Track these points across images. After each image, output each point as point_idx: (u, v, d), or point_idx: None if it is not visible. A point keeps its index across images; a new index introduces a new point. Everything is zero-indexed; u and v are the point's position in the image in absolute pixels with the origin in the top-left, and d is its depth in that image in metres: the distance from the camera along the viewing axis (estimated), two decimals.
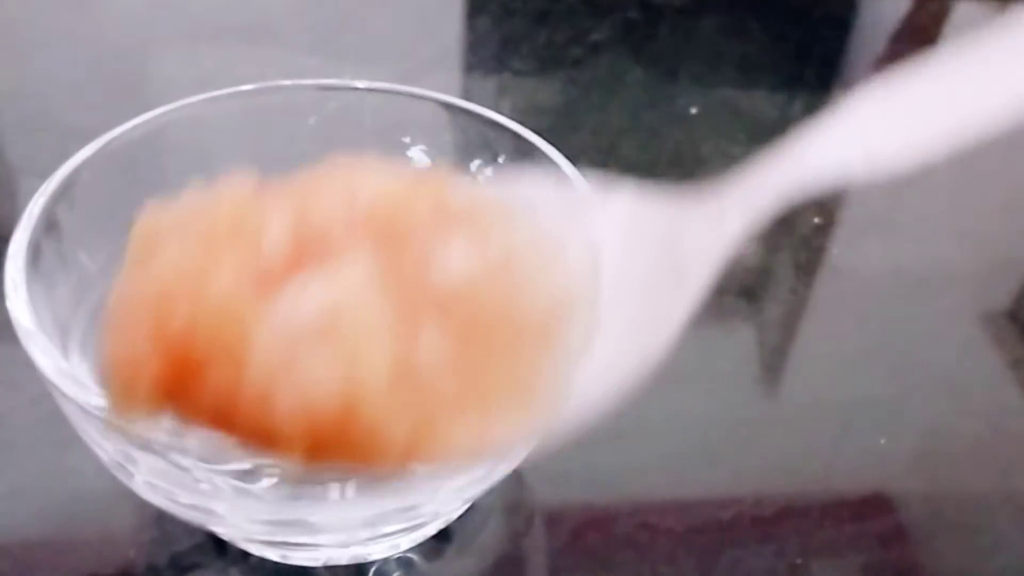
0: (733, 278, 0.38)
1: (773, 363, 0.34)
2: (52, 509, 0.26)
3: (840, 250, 0.39)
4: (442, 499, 0.22)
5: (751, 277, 0.38)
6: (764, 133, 0.46)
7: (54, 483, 0.27)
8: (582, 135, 0.44)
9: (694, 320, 0.35)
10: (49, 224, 0.23)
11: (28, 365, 0.20)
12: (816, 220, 0.41)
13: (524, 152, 0.27)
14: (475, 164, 0.28)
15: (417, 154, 0.29)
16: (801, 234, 0.40)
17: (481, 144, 0.28)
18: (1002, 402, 0.33)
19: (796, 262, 0.39)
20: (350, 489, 0.21)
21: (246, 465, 0.19)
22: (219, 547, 0.26)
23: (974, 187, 0.44)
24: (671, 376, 0.32)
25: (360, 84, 0.28)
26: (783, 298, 0.37)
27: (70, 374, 0.20)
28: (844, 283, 0.38)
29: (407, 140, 0.29)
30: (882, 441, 0.31)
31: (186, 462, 0.19)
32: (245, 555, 0.25)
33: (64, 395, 0.20)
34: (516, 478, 0.28)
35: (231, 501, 0.20)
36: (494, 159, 0.28)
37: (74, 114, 0.41)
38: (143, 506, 0.26)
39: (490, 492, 0.28)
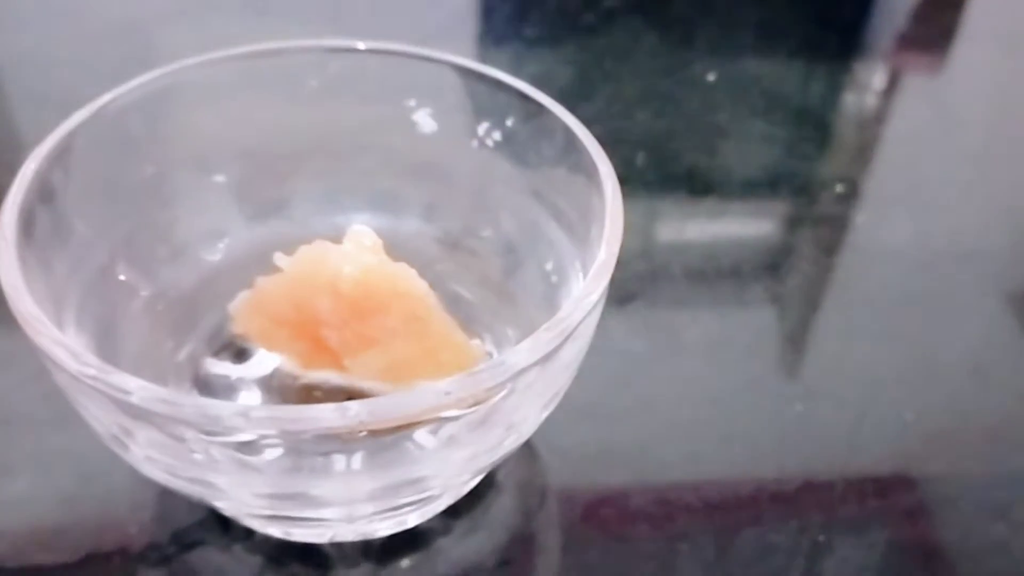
0: (754, 251, 0.37)
1: (794, 339, 0.33)
2: (52, 487, 0.26)
3: (863, 224, 0.38)
4: (450, 471, 0.21)
5: (772, 251, 0.37)
6: (783, 100, 0.45)
7: (54, 461, 0.26)
8: (596, 103, 0.43)
9: (713, 294, 0.34)
10: (43, 190, 0.22)
11: (28, 341, 0.19)
12: (839, 188, 0.39)
13: (533, 114, 0.26)
14: (483, 127, 0.27)
15: (423, 117, 0.28)
16: (823, 207, 0.39)
17: (489, 106, 0.27)
18: None
19: (818, 236, 0.38)
20: (355, 461, 0.20)
21: (246, 436, 0.18)
22: (222, 524, 0.25)
23: (1000, 163, 0.43)
24: (689, 350, 0.32)
25: (362, 45, 0.27)
26: (804, 273, 0.36)
27: (63, 343, 0.19)
28: (867, 258, 0.36)
29: (412, 103, 0.28)
30: (908, 417, 0.30)
31: (187, 433, 0.19)
32: (249, 532, 0.25)
33: (57, 365, 0.19)
34: (528, 454, 0.28)
35: (231, 474, 0.19)
36: (502, 122, 0.27)
37: (80, 87, 0.40)
38: (145, 484, 0.26)
39: (502, 468, 0.27)
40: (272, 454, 0.20)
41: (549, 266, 0.26)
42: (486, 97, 0.27)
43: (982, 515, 0.27)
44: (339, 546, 0.25)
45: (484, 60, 0.41)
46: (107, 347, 0.23)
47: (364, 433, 0.20)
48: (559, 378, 0.22)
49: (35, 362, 0.20)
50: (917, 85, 0.49)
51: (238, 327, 0.25)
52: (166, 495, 0.25)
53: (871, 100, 0.47)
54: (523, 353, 0.19)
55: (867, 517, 0.27)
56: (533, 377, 0.20)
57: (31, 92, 0.42)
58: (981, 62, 0.51)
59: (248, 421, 0.17)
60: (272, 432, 0.18)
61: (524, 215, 0.27)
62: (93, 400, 0.19)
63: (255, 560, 0.24)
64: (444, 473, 0.21)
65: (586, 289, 0.20)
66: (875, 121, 0.45)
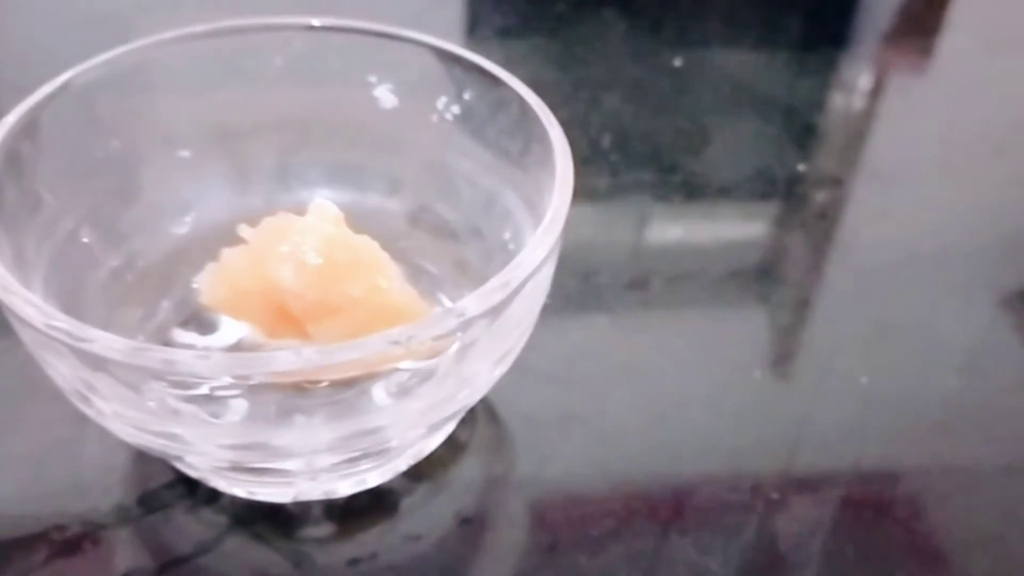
0: (717, 228, 0.38)
1: (771, 333, 0.34)
2: (21, 455, 0.26)
3: (851, 224, 0.38)
4: (405, 423, 0.21)
5: (736, 229, 0.38)
6: (747, 84, 0.46)
7: (22, 430, 0.27)
8: (565, 87, 0.44)
9: (675, 267, 0.35)
10: (11, 162, 0.23)
11: None
12: (799, 167, 0.40)
13: (490, 87, 0.26)
14: (442, 101, 0.28)
15: (384, 93, 0.28)
16: (810, 206, 0.39)
17: (447, 81, 0.27)
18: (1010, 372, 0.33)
19: (805, 237, 0.38)
20: (314, 412, 0.21)
21: (207, 387, 0.19)
22: (189, 487, 0.26)
23: (985, 161, 0.43)
24: (649, 321, 0.33)
25: (321, 22, 0.28)
26: (767, 250, 0.37)
27: (29, 300, 0.19)
28: (854, 258, 0.37)
29: (373, 79, 0.28)
30: (863, 381, 0.31)
31: (151, 384, 0.19)
32: (214, 495, 0.25)
33: (24, 322, 0.19)
34: (490, 418, 0.28)
35: (195, 426, 0.20)
36: (460, 96, 0.28)
37: (57, 74, 0.41)
38: (113, 450, 0.26)
39: (464, 431, 0.28)
40: (234, 406, 0.20)
41: (507, 235, 0.27)
42: (444, 72, 0.27)
43: (937, 473, 0.28)
44: (303, 506, 0.25)
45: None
46: (75, 316, 0.24)
47: (323, 384, 0.21)
48: (510, 334, 0.22)
49: (4, 336, 0.21)
50: (901, 80, 0.50)
51: (204, 298, 0.26)
52: (133, 460, 0.26)
53: (851, 93, 0.48)
54: (471, 303, 0.20)
55: (819, 476, 0.28)
56: (482, 330, 0.20)
57: (7, 80, 0.42)
58: (967, 60, 0.51)
59: (207, 365, 0.18)
60: (230, 377, 0.18)
61: (482, 187, 0.28)
62: (58, 355, 0.20)
63: (221, 520, 0.25)
64: (399, 424, 0.21)
65: (534, 244, 0.21)
66: (849, 112, 0.46)
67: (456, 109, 0.28)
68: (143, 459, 0.26)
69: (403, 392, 0.21)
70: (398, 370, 0.21)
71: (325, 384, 0.21)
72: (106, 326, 0.25)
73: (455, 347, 0.20)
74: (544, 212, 0.24)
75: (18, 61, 0.43)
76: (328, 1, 0.49)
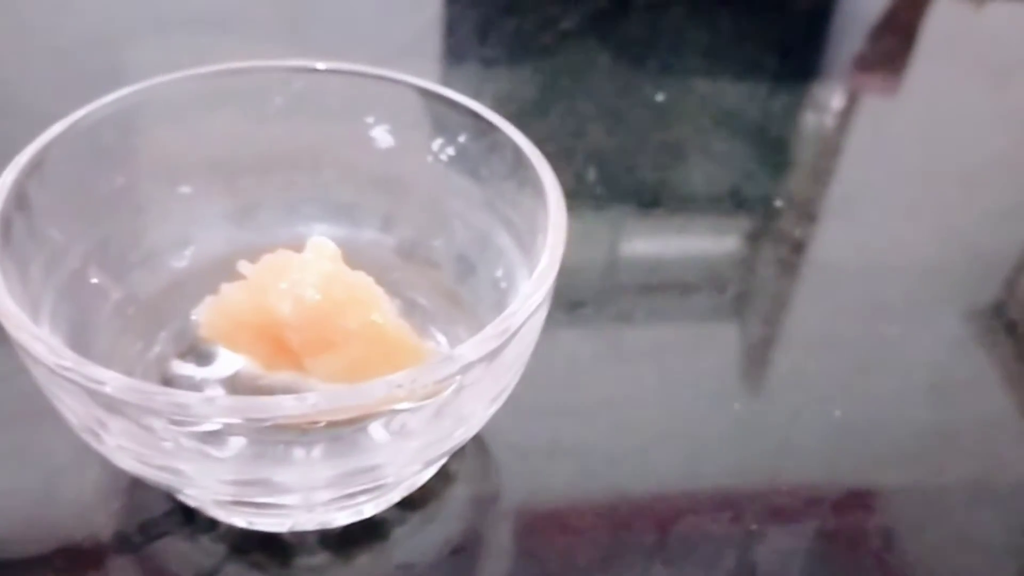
0: (700, 262, 0.39)
1: (743, 346, 0.35)
2: (24, 482, 0.27)
3: (810, 239, 0.40)
4: (403, 460, 0.22)
5: (719, 262, 0.39)
6: (728, 118, 0.47)
7: (26, 457, 0.28)
8: (550, 120, 0.45)
9: (659, 302, 0.36)
10: (20, 199, 0.24)
11: (1, 344, 0.21)
12: (778, 203, 0.41)
13: (483, 131, 0.27)
14: (437, 143, 0.29)
15: (381, 134, 0.29)
16: (768, 221, 0.41)
17: (443, 124, 0.28)
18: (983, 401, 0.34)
19: (763, 249, 0.39)
20: (314, 450, 0.22)
21: (212, 425, 0.20)
22: (187, 515, 0.26)
23: (954, 183, 0.45)
24: (635, 354, 0.34)
25: (323, 65, 0.28)
26: (750, 284, 0.38)
27: (41, 338, 0.20)
28: (824, 278, 0.38)
29: (371, 120, 0.29)
30: (836, 414, 0.32)
31: (157, 422, 0.20)
32: (213, 523, 0.26)
33: (36, 360, 0.20)
34: (480, 450, 0.29)
35: (198, 461, 0.21)
36: (455, 139, 0.28)
37: (47, 102, 0.42)
38: (114, 478, 0.27)
39: (455, 463, 0.28)
40: (236, 444, 0.21)
41: (499, 273, 0.28)
42: (440, 115, 0.28)
43: (910, 505, 0.29)
44: (299, 535, 0.26)
45: (446, 80, 0.43)
46: (79, 348, 0.25)
47: (322, 424, 0.22)
48: (505, 375, 0.23)
49: (8, 363, 0.22)
50: (872, 106, 0.51)
51: (204, 330, 0.26)
52: (134, 488, 0.27)
53: (824, 119, 0.49)
54: (470, 349, 0.21)
55: (797, 508, 0.29)
56: (480, 373, 0.21)
57: (2, 108, 0.43)
58: (936, 83, 0.53)
59: (214, 409, 0.19)
60: (236, 420, 0.19)
61: (476, 226, 0.29)
62: (69, 392, 0.20)
63: (219, 549, 0.26)
64: (397, 462, 0.22)
65: (529, 290, 0.22)
66: (823, 139, 0.48)
67: (451, 151, 0.29)
68: (143, 487, 0.27)
69: (401, 431, 0.22)
70: (396, 411, 0.21)
71: (323, 424, 0.22)
72: (109, 357, 0.26)
73: (453, 388, 0.21)
74: (535, 251, 0.25)
75: (11, 89, 0.44)
76: (311, 34, 0.50)
